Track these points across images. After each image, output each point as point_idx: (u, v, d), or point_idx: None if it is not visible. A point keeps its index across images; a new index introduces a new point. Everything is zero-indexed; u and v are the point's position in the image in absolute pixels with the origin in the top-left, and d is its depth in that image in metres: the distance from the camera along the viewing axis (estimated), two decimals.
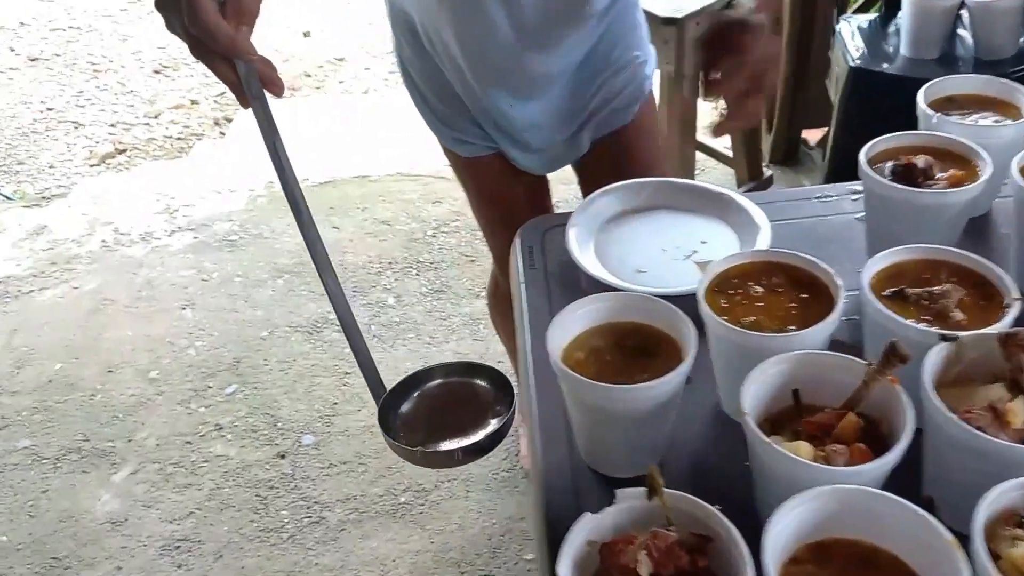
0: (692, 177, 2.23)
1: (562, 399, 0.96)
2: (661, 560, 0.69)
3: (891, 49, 2.11)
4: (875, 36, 2.16)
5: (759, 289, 0.92)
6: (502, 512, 1.88)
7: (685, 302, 0.96)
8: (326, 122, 3.35)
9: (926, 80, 1.19)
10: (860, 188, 1.22)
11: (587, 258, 1.14)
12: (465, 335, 2.31)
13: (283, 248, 2.67)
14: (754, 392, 0.81)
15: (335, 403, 2.16)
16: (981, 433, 0.75)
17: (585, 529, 0.72)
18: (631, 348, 0.88)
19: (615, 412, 0.84)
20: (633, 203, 1.22)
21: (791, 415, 0.84)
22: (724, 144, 2.50)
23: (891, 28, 2.18)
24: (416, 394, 1.05)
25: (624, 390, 0.82)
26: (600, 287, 1.08)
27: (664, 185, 1.23)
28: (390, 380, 1.00)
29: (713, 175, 2.88)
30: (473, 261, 2.55)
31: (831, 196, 1.23)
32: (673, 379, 0.82)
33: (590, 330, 0.90)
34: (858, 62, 2.07)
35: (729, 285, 0.93)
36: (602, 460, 0.91)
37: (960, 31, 2.09)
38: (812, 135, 2.82)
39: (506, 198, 1.32)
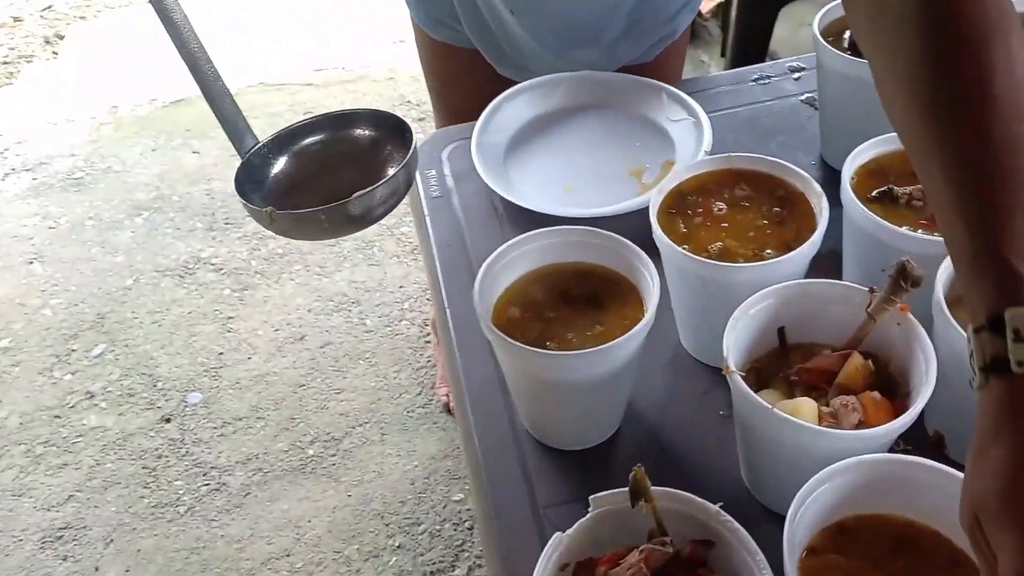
0: None
1: (495, 358, 0.78)
2: None
3: None
4: None
5: (722, 206, 0.75)
6: (423, 452, 1.73)
7: (629, 222, 0.79)
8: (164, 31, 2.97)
9: None
10: (804, 65, 1.07)
11: (500, 179, 0.94)
12: (359, 261, 2.10)
13: (138, 181, 2.36)
14: (735, 339, 0.65)
15: (220, 353, 1.92)
16: None
17: (556, 552, 0.55)
18: (577, 297, 0.71)
19: (565, 382, 0.68)
20: (548, 105, 1.03)
21: (778, 359, 0.69)
22: None
23: None
24: (295, 152, 0.82)
25: (575, 357, 0.65)
26: (520, 214, 0.90)
27: (582, 80, 1.04)
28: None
29: None
30: None
31: (770, 76, 1.07)
32: (634, 337, 0.65)
33: (525, 277, 0.72)
34: None
35: (686, 203, 0.76)
36: (551, 433, 0.74)
37: None
38: (704, 4, 2.65)
39: (478, 99, 1.04)
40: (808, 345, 0.69)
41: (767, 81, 1.06)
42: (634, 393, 0.75)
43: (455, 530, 1.61)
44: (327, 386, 1.84)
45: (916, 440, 0.71)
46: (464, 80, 1.20)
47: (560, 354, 0.65)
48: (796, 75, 1.07)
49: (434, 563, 1.57)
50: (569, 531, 0.56)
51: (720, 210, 0.75)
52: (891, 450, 0.66)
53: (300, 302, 2.01)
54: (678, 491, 0.56)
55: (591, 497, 0.57)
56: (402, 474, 1.70)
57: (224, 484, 1.71)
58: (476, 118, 1.00)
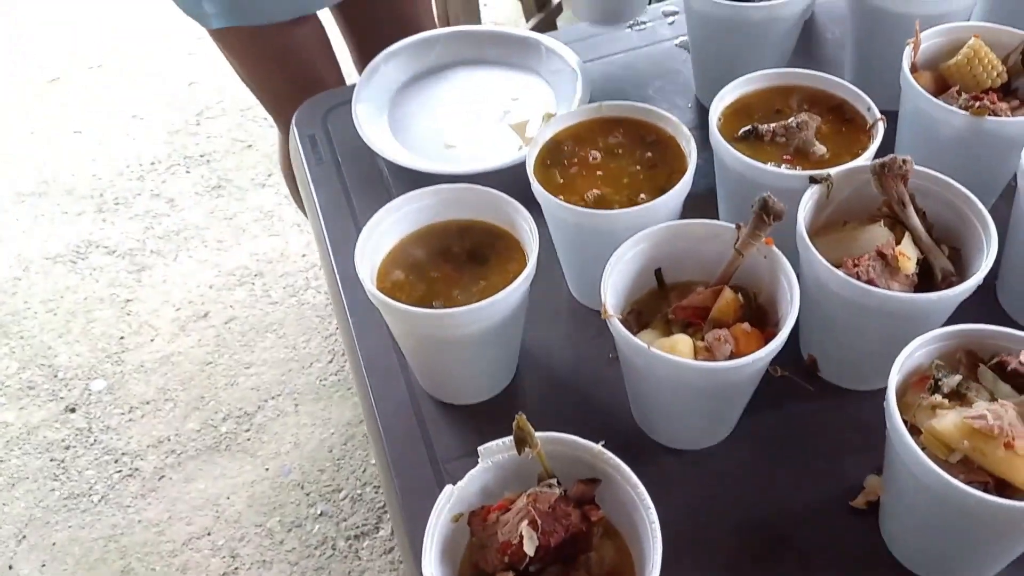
0: (477, 14, 2.02)
1: (385, 321, 0.79)
2: (548, 526, 0.56)
3: None
4: None
5: (596, 154, 0.77)
6: (338, 419, 1.73)
7: (513, 176, 0.80)
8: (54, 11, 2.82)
9: None
10: (678, 8, 1.09)
11: (383, 140, 0.94)
12: (258, 232, 2.06)
13: (19, 165, 2.26)
14: (613, 284, 0.67)
15: (121, 337, 1.88)
16: (874, 288, 0.65)
17: (448, 504, 0.57)
18: (459, 254, 0.71)
19: (454, 339, 0.69)
20: (425, 63, 1.03)
21: (657, 299, 0.72)
22: None
23: None
24: None
25: (460, 314, 0.66)
26: (405, 175, 0.90)
27: (456, 36, 1.04)
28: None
29: (497, 11, 2.67)
30: (250, 147, 2.26)
31: (645, 23, 1.08)
32: (518, 288, 0.67)
33: (407, 239, 0.72)
34: None
35: (562, 153, 0.77)
36: (447, 390, 0.75)
37: None
38: None
39: (287, 58, 1.01)
40: (685, 284, 0.71)
41: (642, 27, 1.08)
42: (526, 344, 0.77)
43: (376, 492, 1.63)
44: (235, 361, 1.82)
45: (793, 365, 0.75)
46: (265, 48, 1.16)
47: (445, 312, 0.66)
48: (670, 19, 1.08)
49: (358, 527, 1.58)
50: (460, 483, 0.57)
51: (595, 159, 0.76)
52: (768, 375, 0.69)
53: (201, 279, 1.97)
54: (562, 434, 0.58)
55: (479, 448, 0.58)
56: (319, 443, 1.70)
57: (137, 469, 1.68)
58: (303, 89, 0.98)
